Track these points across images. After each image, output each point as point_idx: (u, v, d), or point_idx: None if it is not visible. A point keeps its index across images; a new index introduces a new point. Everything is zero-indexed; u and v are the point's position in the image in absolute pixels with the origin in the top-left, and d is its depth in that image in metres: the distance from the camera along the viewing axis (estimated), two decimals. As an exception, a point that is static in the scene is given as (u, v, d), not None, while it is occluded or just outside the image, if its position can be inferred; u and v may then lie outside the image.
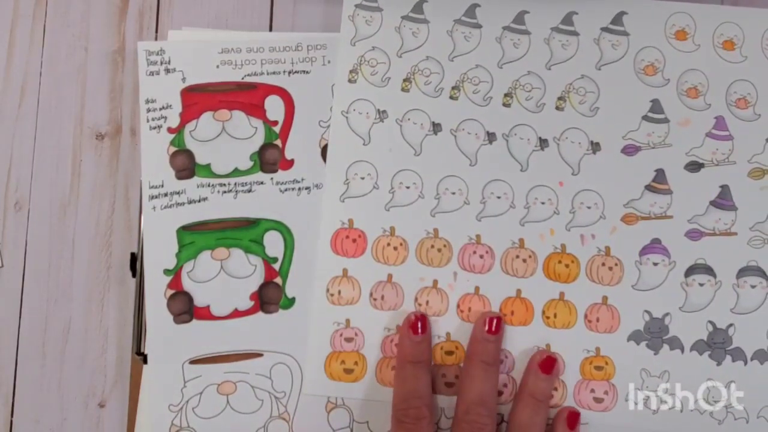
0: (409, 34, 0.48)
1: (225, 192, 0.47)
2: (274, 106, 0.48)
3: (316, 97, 0.48)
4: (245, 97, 0.48)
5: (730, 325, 0.46)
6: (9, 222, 0.49)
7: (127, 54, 0.50)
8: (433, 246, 0.47)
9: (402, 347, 0.46)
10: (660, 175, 0.47)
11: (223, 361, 0.47)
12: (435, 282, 0.47)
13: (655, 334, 0.46)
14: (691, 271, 0.47)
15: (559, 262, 0.47)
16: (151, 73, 0.48)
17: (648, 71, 0.48)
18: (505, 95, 0.48)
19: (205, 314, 0.47)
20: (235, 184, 0.47)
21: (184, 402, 0.46)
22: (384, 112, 0.48)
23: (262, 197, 0.47)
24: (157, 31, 0.50)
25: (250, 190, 0.47)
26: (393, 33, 0.48)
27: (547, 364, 0.45)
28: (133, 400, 0.47)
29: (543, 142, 0.48)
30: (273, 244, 0.47)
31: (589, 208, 0.47)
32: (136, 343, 0.47)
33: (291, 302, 0.47)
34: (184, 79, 0.48)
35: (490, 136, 0.48)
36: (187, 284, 0.47)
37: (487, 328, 0.45)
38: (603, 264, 0.47)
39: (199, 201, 0.47)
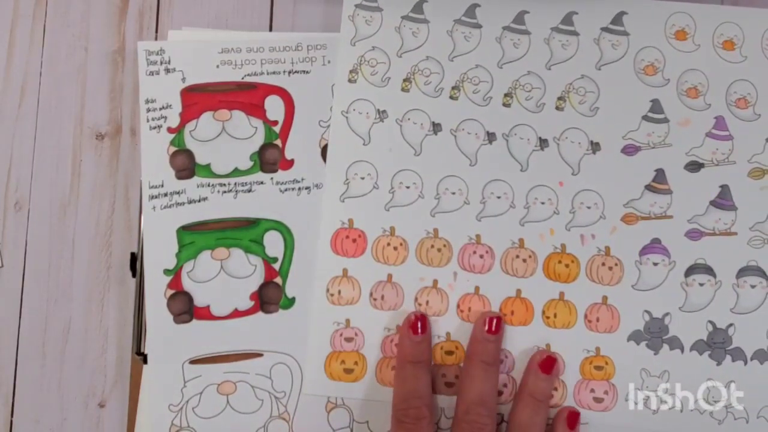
0: (409, 34, 0.48)
1: (225, 192, 0.47)
2: (274, 106, 0.48)
3: (316, 97, 0.48)
4: (245, 97, 0.48)
5: (730, 325, 0.46)
6: (9, 222, 0.49)
7: (127, 54, 0.50)
8: (433, 246, 0.47)
9: (402, 347, 0.46)
10: (660, 175, 0.47)
11: (223, 361, 0.47)
12: (435, 282, 0.47)
13: (655, 334, 0.46)
14: (691, 271, 0.47)
15: (559, 262, 0.47)
16: (151, 73, 0.48)
17: (648, 71, 0.48)
18: (505, 95, 0.48)
19: (205, 314, 0.47)
20: (235, 184, 0.47)
21: (184, 402, 0.46)
22: (384, 112, 0.48)
23: (262, 197, 0.47)
24: (157, 31, 0.50)
25: (250, 190, 0.47)
26: (393, 33, 0.48)
27: (547, 364, 0.45)
28: (133, 400, 0.47)
29: (543, 142, 0.48)
30: (273, 244, 0.47)
31: (589, 208, 0.47)
32: (136, 343, 0.47)
33: (291, 302, 0.47)
34: (184, 79, 0.48)
35: (490, 136, 0.48)
36: (187, 284, 0.47)
37: (487, 328, 0.45)
38: (603, 264, 0.47)
39: (199, 201, 0.47)
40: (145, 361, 0.46)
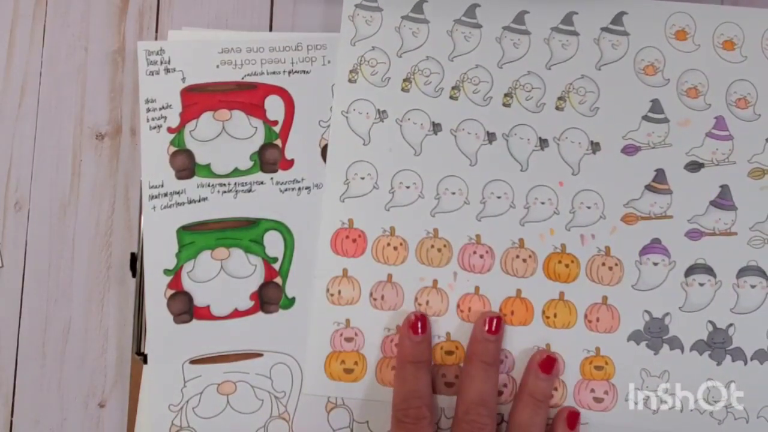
0: (409, 34, 0.48)
1: (225, 192, 0.47)
2: (274, 106, 0.48)
3: (316, 97, 0.48)
4: (245, 97, 0.48)
5: (730, 325, 0.46)
6: (9, 222, 0.49)
7: (127, 54, 0.50)
8: (433, 246, 0.47)
9: (402, 347, 0.46)
10: (660, 175, 0.47)
11: (223, 361, 0.47)
12: (435, 282, 0.47)
13: (655, 334, 0.46)
14: (691, 271, 0.47)
15: (559, 262, 0.47)
16: (151, 73, 0.48)
17: (648, 71, 0.48)
18: (505, 95, 0.48)
19: (205, 314, 0.47)
20: (235, 184, 0.47)
21: (184, 402, 0.46)
22: (384, 112, 0.48)
23: (262, 197, 0.47)
24: (157, 31, 0.50)
25: (250, 190, 0.47)
26: (393, 33, 0.48)
27: (547, 364, 0.45)
28: (133, 400, 0.47)
29: (543, 142, 0.48)
30: (273, 244, 0.47)
31: (589, 208, 0.47)
32: (136, 343, 0.47)
33: (291, 302, 0.47)
34: (184, 79, 0.48)
35: (490, 136, 0.48)
36: (187, 284, 0.47)
37: (487, 328, 0.45)
38: (603, 264, 0.47)
39: (199, 201, 0.47)
40: (145, 361, 0.46)
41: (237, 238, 0.47)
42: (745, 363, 0.46)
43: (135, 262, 0.47)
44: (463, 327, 0.47)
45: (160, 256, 0.47)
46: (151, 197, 0.47)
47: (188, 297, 0.47)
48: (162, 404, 0.46)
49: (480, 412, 0.44)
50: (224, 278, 0.47)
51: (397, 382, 0.45)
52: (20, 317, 0.49)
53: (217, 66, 0.48)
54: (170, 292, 0.47)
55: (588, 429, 0.46)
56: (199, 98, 0.48)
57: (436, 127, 0.48)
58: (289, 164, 0.48)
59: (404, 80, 0.48)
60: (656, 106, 0.48)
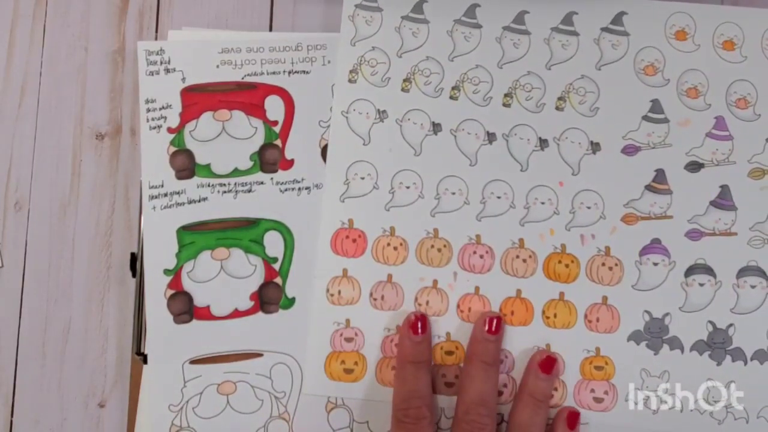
0: (409, 34, 0.48)
1: (225, 192, 0.47)
2: (274, 106, 0.48)
3: (316, 97, 0.48)
4: (245, 97, 0.48)
5: (730, 325, 0.46)
6: (9, 222, 0.49)
7: (127, 54, 0.50)
8: (433, 246, 0.47)
9: (402, 347, 0.46)
10: (660, 175, 0.47)
11: (223, 361, 0.47)
12: (435, 282, 0.47)
13: (655, 334, 0.46)
14: (691, 271, 0.47)
15: (559, 262, 0.47)
16: (151, 73, 0.48)
17: (648, 71, 0.48)
18: (505, 95, 0.48)
19: (205, 314, 0.47)
20: (235, 184, 0.47)
21: (184, 402, 0.46)
22: (384, 112, 0.48)
23: (262, 197, 0.47)
24: (157, 31, 0.50)
25: (250, 190, 0.47)
26: (393, 33, 0.48)
27: (547, 364, 0.45)
28: (133, 400, 0.47)
29: (543, 142, 0.48)
30: (273, 244, 0.47)
31: (589, 208, 0.47)
32: (136, 343, 0.47)
33: (291, 302, 0.47)
34: (184, 79, 0.48)
35: (490, 136, 0.48)
36: (187, 284, 0.47)
37: (487, 328, 0.45)
38: (603, 264, 0.47)
39: (199, 201, 0.47)
40: (145, 361, 0.46)
41: (237, 238, 0.47)
42: (745, 363, 0.46)
43: (135, 262, 0.47)
44: (463, 327, 0.47)
45: (160, 256, 0.47)
46: (151, 197, 0.47)
47: (188, 297, 0.47)
48: (162, 404, 0.46)
49: (480, 412, 0.44)
50: (224, 278, 0.47)
51: (397, 382, 0.45)
52: (20, 317, 0.49)
53: (217, 66, 0.48)
54: (170, 292, 0.47)
55: (588, 429, 0.46)
56: (199, 98, 0.48)
57: (436, 127, 0.48)
58: (289, 164, 0.48)
59: (404, 80, 0.48)
60: (656, 106, 0.48)
